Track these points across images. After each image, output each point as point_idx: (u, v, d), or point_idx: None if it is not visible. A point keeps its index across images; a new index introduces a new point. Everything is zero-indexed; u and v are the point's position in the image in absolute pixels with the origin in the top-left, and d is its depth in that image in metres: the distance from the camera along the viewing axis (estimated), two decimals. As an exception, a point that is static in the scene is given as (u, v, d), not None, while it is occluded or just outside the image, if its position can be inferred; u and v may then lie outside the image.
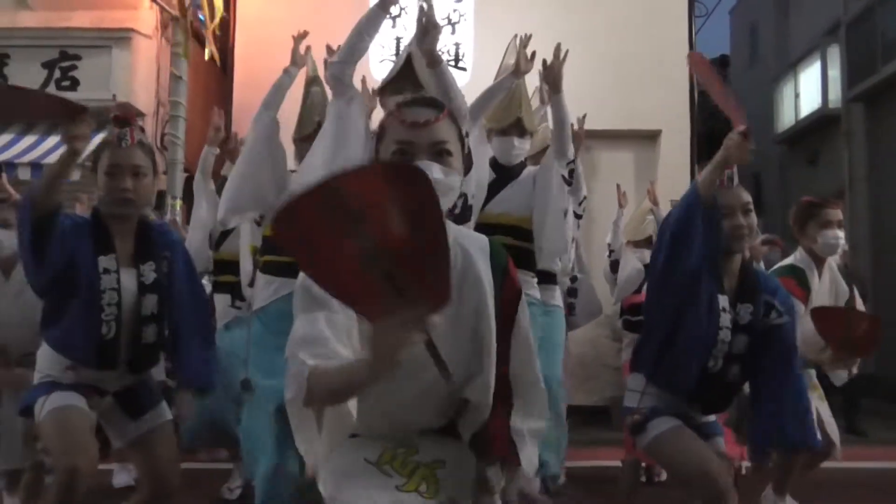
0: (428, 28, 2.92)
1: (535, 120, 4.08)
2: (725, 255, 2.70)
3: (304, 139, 3.37)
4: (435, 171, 1.55)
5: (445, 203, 1.58)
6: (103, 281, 2.52)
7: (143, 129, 2.61)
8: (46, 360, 2.60)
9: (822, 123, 12.50)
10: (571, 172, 3.74)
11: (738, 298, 2.68)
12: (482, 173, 3.46)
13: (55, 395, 2.49)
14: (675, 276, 2.64)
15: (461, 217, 2.96)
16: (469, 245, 1.67)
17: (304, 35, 3.71)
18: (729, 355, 2.64)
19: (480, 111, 3.48)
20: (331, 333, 1.48)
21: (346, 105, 3.02)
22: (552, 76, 3.54)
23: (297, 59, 3.63)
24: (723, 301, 2.64)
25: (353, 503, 1.51)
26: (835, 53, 12.22)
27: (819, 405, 3.74)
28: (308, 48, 3.70)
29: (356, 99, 3.04)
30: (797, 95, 13.25)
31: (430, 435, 1.66)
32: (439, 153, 1.58)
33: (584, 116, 3.99)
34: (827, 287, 3.78)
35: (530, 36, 3.59)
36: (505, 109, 3.69)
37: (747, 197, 2.71)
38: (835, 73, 12.18)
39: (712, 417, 2.82)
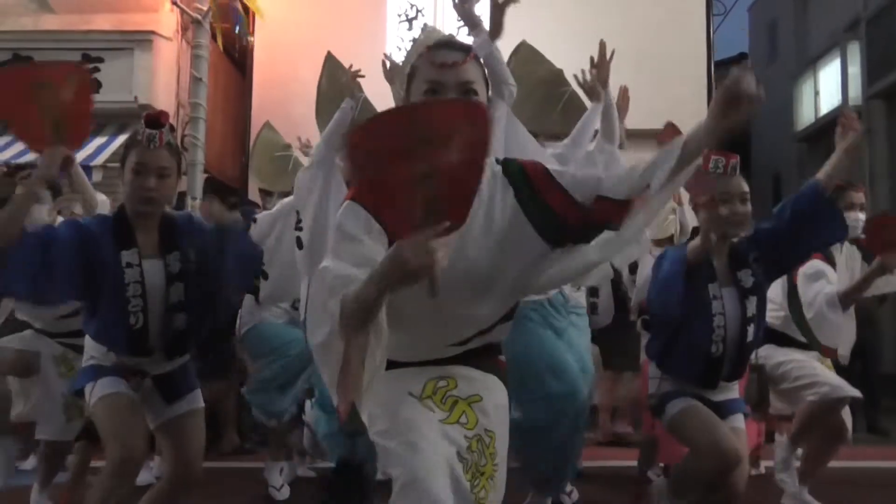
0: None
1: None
2: (720, 240, 2.92)
3: None
4: None
5: None
6: (126, 275, 2.61)
7: (173, 129, 2.70)
8: (90, 344, 2.74)
9: (842, 121, 12.40)
10: None
11: (733, 269, 2.92)
12: None
13: (102, 381, 2.61)
14: (667, 311, 2.93)
15: None
16: (491, 171, 1.76)
17: (355, 70, 3.76)
18: (744, 320, 2.86)
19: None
20: (360, 272, 1.54)
21: None
22: (602, 73, 3.68)
23: (355, 91, 3.69)
24: (713, 289, 2.86)
25: (406, 436, 1.64)
26: (854, 50, 12.12)
27: None
28: (357, 73, 3.74)
29: None
30: (817, 93, 13.17)
31: (461, 367, 1.78)
32: (466, 92, 1.70)
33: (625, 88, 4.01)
34: (844, 262, 3.91)
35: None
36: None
37: (745, 186, 2.90)
38: (854, 70, 12.08)
39: (734, 394, 2.98)
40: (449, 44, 1.80)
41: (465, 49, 1.75)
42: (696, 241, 2.94)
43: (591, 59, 3.65)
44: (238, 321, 4.48)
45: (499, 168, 1.77)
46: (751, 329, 2.87)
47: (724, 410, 2.88)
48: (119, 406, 2.57)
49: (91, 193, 3.69)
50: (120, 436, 2.49)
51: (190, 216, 2.94)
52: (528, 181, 1.73)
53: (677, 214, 5.49)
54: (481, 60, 1.80)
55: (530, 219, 1.70)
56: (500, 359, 1.89)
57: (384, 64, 3.61)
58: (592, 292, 4.94)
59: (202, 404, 2.82)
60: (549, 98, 3.66)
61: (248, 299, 4.40)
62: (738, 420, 2.90)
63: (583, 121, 3.54)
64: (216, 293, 2.83)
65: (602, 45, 3.61)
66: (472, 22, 3.06)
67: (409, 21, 7.58)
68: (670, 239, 5.52)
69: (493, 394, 1.82)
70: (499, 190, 1.73)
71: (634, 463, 4.96)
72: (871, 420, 7.13)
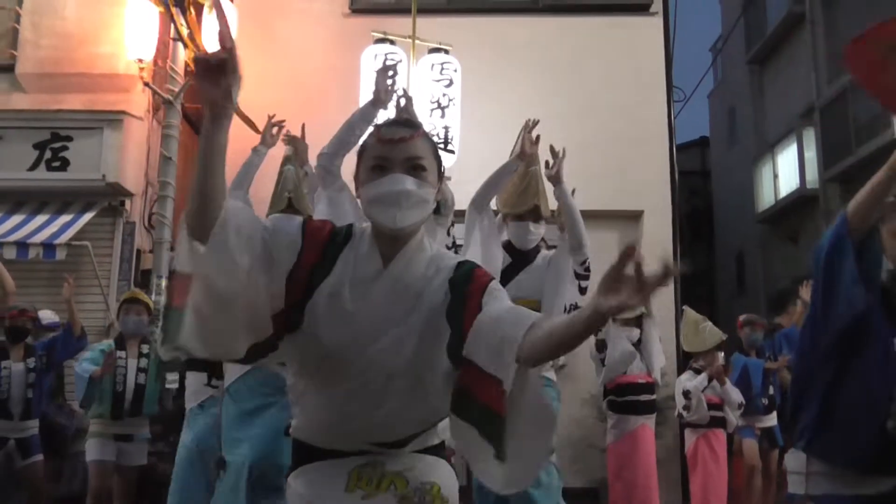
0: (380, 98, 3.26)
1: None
2: None
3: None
4: (408, 183, 1.66)
5: (418, 214, 1.68)
6: None
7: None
8: None
9: (800, 203, 12.76)
10: (586, 267, 3.78)
11: None
12: (495, 263, 3.52)
13: None
14: (830, 322, 2.22)
15: None
16: (441, 261, 1.72)
17: (273, 117, 3.96)
18: None
19: (485, 200, 3.62)
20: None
21: (336, 193, 3.16)
22: (552, 169, 3.68)
23: (267, 140, 3.88)
24: None
25: None
26: (810, 136, 12.56)
27: None
28: (280, 129, 3.93)
29: (346, 188, 3.16)
30: (776, 176, 13.56)
31: (394, 451, 1.72)
32: (413, 167, 1.69)
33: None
34: None
35: (537, 121, 3.71)
36: (521, 195, 3.76)
37: None
38: (811, 154, 12.50)
39: None
40: (398, 121, 1.82)
41: (414, 126, 1.75)
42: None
43: (546, 162, 3.71)
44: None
45: (454, 262, 1.71)
46: None
47: None
48: None
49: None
50: None
51: None
52: (468, 281, 1.63)
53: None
54: (431, 136, 1.80)
55: (448, 315, 1.60)
56: (446, 451, 1.82)
57: None
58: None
59: None
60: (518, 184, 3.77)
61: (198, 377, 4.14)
62: None
63: (492, 176, 3.64)
64: None
65: (551, 149, 3.70)
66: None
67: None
68: (638, 318, 5.56)
69: (432, 468, 1.74)
70: (439, 280, 1.67)
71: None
72: None
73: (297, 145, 3.85)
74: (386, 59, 7.56)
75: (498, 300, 1.58)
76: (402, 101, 3.28)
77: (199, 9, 7.89)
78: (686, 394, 5.68)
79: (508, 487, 1.51)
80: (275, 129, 3.93)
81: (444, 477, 1.75)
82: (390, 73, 3.39)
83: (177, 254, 1.63)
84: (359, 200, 1.75)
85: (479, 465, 1.54)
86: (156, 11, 7.82)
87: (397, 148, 1.69)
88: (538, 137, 3.68)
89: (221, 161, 1.56)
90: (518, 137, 3.78)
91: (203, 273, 1.54)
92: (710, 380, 5.71)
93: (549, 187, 3.78)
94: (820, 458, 2.21)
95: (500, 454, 1.46)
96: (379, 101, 3.27)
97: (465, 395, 1.52)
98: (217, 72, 1.48)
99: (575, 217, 3.65)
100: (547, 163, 3.70)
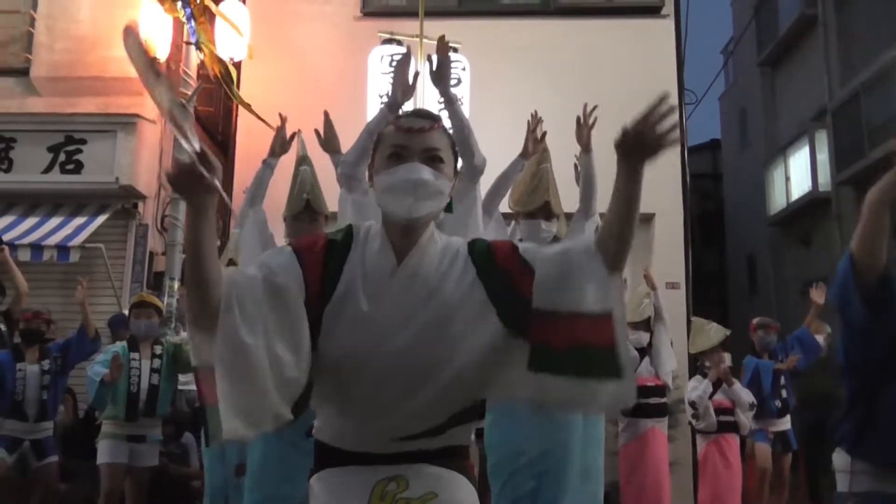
0: (441, 72, 3.14)
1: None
2: None
3: (295, 217, 3.39)
4: (425, 173, 1.66)
5: (433, 206, 1.68)
6: None
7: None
8: None
9: (813, 206, 12.69)
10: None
11: None
12: None
13: None
14: (860, 353, 2.34)
15: None
16: (452, 249, 1.72)
17: (283, 125, 3.79)
18: None
19: (492, 203, 3.58)
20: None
21: (362, 197, 3.14)
22: (582, 135, 3.70)
23: (277, 150, 3.73)
24: None
25: None
26: (822, 138, 12.50)
27: None
28: (295, 134, 3.80)
29: (371, 193, 3.15)
30: (787, 179, 13.49)
31: (420, 464, 1.67)
32: (431, 158, 1.69)
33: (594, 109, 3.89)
34: None
35: (540, 119, 3.70)
36: (532, 193, 3.71)
37: None
38: (823, 157, 12.43)
39: None
40: (417, 112, 1.81)
41: (433, 118, 1.76)
42: None
43: (578, 119, 3.75)
44: None
45: (464, 248, 1.71)
46: None
47: None
48: None
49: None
50: None
51: None
52: (492, 257, 1.67)
53: (651, 298, 5.54)
54: (449, 131, 1.80)
55: (490, 294, 1.62)
56: (467, 462, 1.76)
57: None
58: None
59: None
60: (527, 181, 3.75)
61: None
62: None
63: (499, 178, 3.62)
64: None
65: (584, 108, 3.70)
66: (448, 98, 3.14)
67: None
68: (647, 322, 5.55)
69: (454, 490, 1.68)
70: (457, 269, 1.67)
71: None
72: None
73: (326, 133, 3.68)
74: (392, 60, 7.56)
75: (540, 251, 1.68)
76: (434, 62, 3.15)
77: (212, 16, 7.92)
78: (693, 404, 5.68)
79: (616, 402, 1.63)
80: (289, 135, 3.80)
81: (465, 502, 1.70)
82: (407, 66, 3.22)
83: (193, 350, 1.62)
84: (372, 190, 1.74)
85: (575, 405, 1.68)
86: (169, 16, 7.86)
87: (417, 138, 1.69)
88: (544, 135, 3.67)
89: (212, 248, 1.53)
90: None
91: (221, 359, 1.51)
92: (716, 385, 5.70)
93: (560, 184, 3.78)
94: (864, 459, 2.30)
95: (617, 373, 1.57)
96: (395, 103, 3.18)
97: (545, 347, 1.58)
98: (190, 179, 1.48)
99: (592, 188, 3.66)
100: (578, 119, 3.71)
